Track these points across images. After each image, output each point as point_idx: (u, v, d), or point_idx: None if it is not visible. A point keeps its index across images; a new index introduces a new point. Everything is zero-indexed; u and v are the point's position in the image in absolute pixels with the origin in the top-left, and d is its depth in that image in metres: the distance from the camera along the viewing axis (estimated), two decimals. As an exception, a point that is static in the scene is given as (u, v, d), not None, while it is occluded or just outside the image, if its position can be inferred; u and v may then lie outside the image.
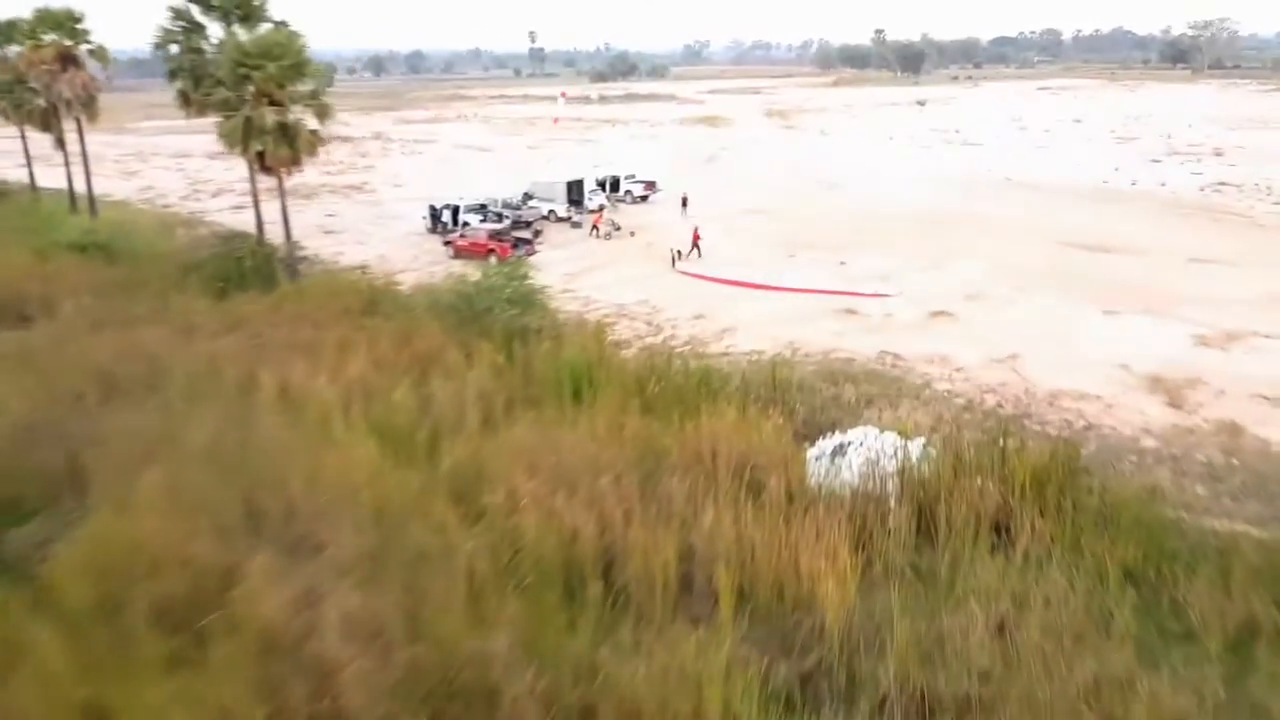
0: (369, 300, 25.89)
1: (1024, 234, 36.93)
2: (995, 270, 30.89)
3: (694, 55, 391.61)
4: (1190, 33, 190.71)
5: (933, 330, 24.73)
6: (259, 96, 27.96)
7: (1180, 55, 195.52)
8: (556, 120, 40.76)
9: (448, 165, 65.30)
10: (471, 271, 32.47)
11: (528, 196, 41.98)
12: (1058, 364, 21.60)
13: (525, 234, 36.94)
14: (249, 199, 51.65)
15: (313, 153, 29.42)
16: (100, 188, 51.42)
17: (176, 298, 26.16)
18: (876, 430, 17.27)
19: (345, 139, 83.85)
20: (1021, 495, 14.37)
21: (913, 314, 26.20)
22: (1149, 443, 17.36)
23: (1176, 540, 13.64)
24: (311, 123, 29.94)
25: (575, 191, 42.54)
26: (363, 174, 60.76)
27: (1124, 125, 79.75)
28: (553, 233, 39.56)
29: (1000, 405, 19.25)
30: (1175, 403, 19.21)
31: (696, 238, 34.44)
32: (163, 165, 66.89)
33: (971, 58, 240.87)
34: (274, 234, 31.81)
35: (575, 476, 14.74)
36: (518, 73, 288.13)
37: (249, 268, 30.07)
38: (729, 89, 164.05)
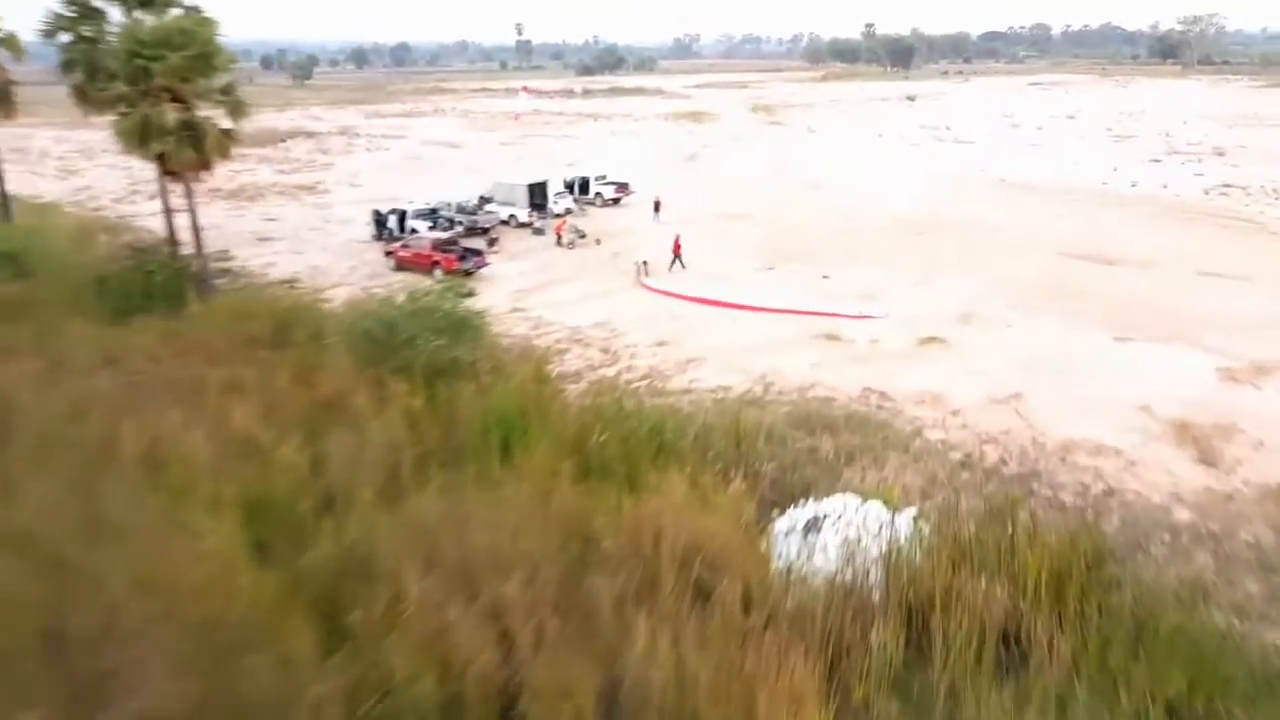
0: (281, 325, 22.71)
1: (1021, 242, 34.12)
2: (991, 285, 28.03)
3: (684, 49, 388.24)
4: (1180, 28, 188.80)
5: (924, 360, 21.83)
6: (160, 92, 24.72)
7: (1169, 51, 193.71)
8: (518, 117, 37.01)
9: (413, 163, 62.01)
10: (415, 285, 29.49)
11: (484, 200, 38.78)
12: (1067, 405, 18.74)
13: (480, 242, 33.87)
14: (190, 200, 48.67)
15: (224, 155, 26.16)
16: (33, 188, 48.06)
17: (69, 321, 22.97)
18: (857, 500, 14.36)
19: (309, 134, 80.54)
20: (1035, 598, 11.52)
21: (901, 340, 23.30)
22: (1182, 514, 14.51)
23: (1230, 662, 10.81)
24: (227, 121, 26.72)
25: (538, 195, 39.41)
26: (319, 172, 57.40)
27: (1119, 122, 77.19)
28: (512, 240, 36.45)
29: (1004, 461, 16.37)
30: (1208, 458, 16.39)
31: (678, 247, 31.43)
32: (110, 163, 63.21)
33: (961, 53, 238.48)
34: (206, 242, 28.61)
35: (481, 572, 11.78)
36: (503, 65, 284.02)
37: (157, 284, 26.84)
38: (717, 83, 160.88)
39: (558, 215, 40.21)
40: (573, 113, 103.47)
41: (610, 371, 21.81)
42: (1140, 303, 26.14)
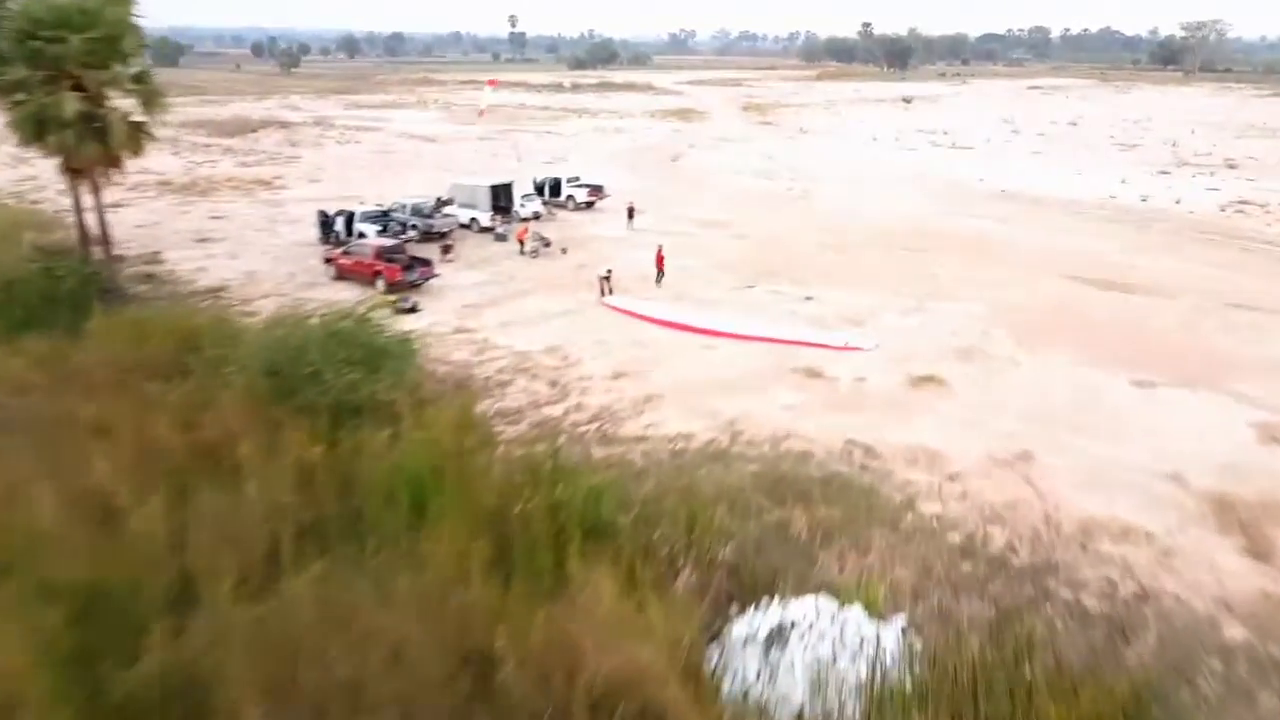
0: (183, 349, 19.67)
1: (1025, 262, 31.29)
2: (993, 313, 25.18)
3: (679, 45, 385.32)
4: (1182, 34, 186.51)
5: (917, 407, 18.93)
6: (61, 79, 21.62)
7: (1171, 57, 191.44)
8: (483, 113, 33.90)
9: (382, 157, 58.83)
10: (354, 298, 26.46)
11: (443, 202, 35.67)
12: (1084, 470, 15.90)
13: (434, 250, 30.82)
14: (135, 194, 45.49)
15: (136, 151, 23.09)
16: (-33, 177, 44.80)
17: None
18: (833, 605, 11.48)
19: (283, 124, 77.20)
20: (1062, 774, 8.69)
21: (892, 378, 20.39)
22: (1234, 631, 11.66)
23: None
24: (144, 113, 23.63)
25: (503, 197, 36.35)
26: (283, 166, 54.16)
27: (1123, 130, 74.49)
28: (471, 246, 33.41)
29: (1013, 549, 13.49)
30: (1257, 549, 13.54)
31: (661, 260, 28.56)
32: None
33: (959, 54, 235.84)
34: (140, 242, 25.46)
35: (343, 713, 9.03)
36: (496, 58, 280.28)
37: (64, 293, 23.73)
38: (710, 80, 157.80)
39: (525, 219, 37.25)
40: (558, 108, 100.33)
41: (557, 410, 18.87)
42: (1161, 339, 23.33)
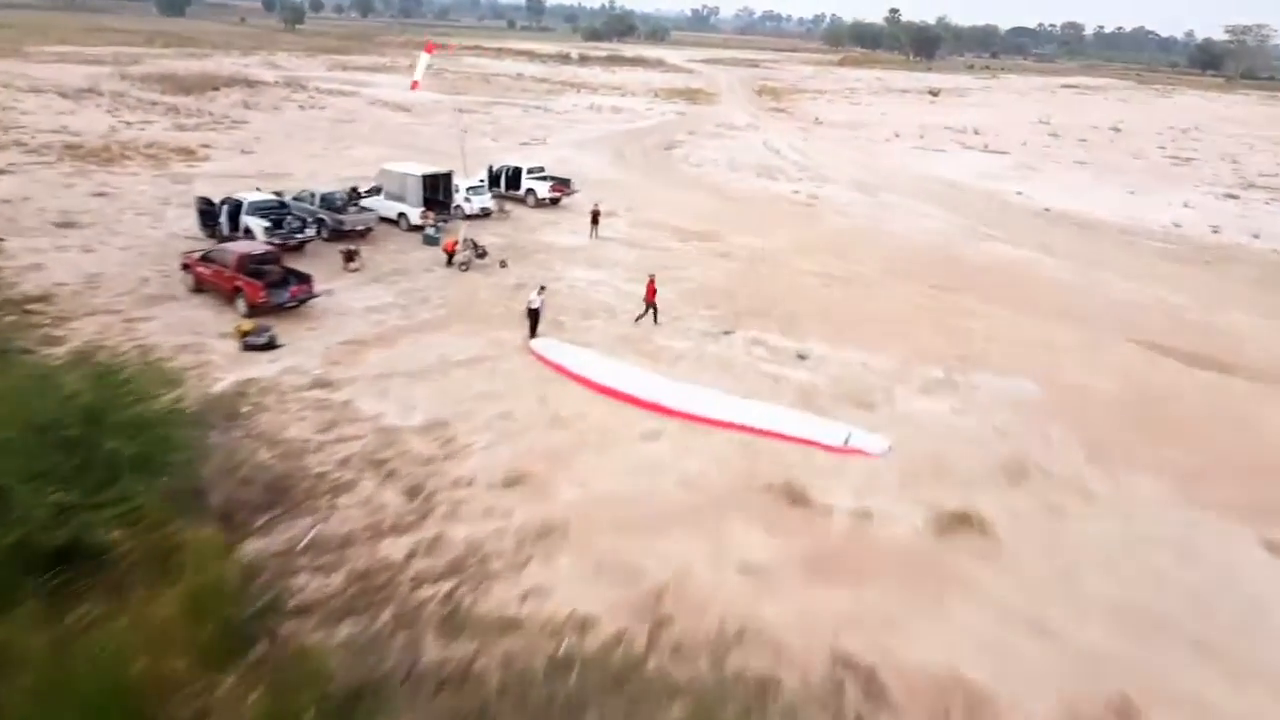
0: None
1: (1082, 312, 24.65)
2: (1050, 397, 18.61)
3: (701, 21, 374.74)
4: (1225, 38, 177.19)
5: (947, 574, 12.42)
6: None
7: (1211, 61, 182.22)
8: (415, 85, 26.93)
9: (341, 127, 52.03)
10: (212, 320, 20.00)
11: (356, 194, 28.79)
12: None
13: (341, 248, 24.28)
14: (29, 159, 38.93)
15: None
16: None
17: None
18: None
19: (250, 83, 70.32)
20: None
21: (910, 515, 13.87)
22: None
23: None
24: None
25: (440, 190, 29.66)
26: (222, 132, 47.38)
27: (1172, 140, 67.03)
28: (390, 251, 26.79)
29: None
30: None
31: (652, 292, 21.70)
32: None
33: (988, 46, 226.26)
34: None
35: None
36: (511, 24, 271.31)
37: None
38: (725, 59, 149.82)
39: (470, 216, 30.64)
40: (557, 80, 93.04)
41: (401, 547, 12.44)
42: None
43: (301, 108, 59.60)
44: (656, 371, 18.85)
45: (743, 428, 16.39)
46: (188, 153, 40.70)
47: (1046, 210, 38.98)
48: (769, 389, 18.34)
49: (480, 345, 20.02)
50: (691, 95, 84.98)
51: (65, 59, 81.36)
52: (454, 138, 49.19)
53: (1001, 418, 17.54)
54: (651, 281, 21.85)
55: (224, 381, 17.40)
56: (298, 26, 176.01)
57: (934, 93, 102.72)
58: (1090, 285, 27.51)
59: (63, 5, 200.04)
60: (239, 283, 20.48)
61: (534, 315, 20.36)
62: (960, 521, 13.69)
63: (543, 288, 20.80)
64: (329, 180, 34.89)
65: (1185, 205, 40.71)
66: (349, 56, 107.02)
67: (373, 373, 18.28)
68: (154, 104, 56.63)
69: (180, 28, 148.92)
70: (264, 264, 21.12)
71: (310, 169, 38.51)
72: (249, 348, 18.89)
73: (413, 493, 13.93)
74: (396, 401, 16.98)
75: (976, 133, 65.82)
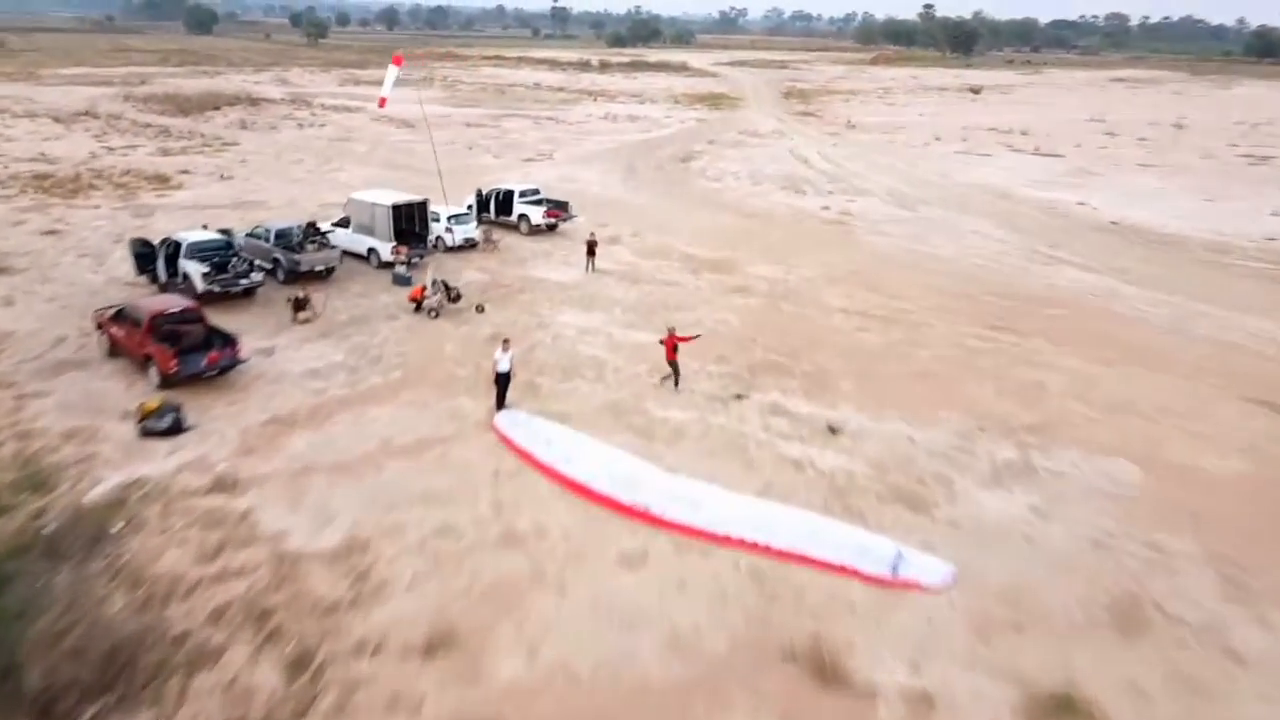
0: None
1: (1178, 358, 20.20)
2: (1155, 488, 14.32)
3: (729, 23, 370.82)
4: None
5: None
6: None
7: (1268, 48, 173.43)
8: (383, 102, 23.24)
9: (337, 147, 48.97)
10: (123, 391, 16.53)
11: (314, 230, 25.04)
12: None
13: (290, 295, 20.71)
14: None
15: None
16: None
17: None
18: None
19: (253, 101, 67.96)
20: None
21: (992, 706, 9.75)
22: None
23: None
24: None
25: (416, 220, 26.00)
26: (209, 156, 44.51)
27: (1242, 136, 61.27)
28: (352, 295, 23.20)
29: None
30: None
31: (672, 347, 17.57)
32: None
33: (1028, 40, 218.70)
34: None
35: None
36: (536, 33, 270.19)
37: None
38: (752, 61, 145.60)
39: (453, 248, 27.07)
40: (575, 89, 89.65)
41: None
42: None
43: (300, 126, 56.78)
44: (647, 457, 14.94)
45: (754, 546, 12.40)
46: (162, 180, 37.76)
47: (1114, 223, 34.22)
48: (790, 481, 14.32)
49: (432, 421, 16.28)
50: (714, 101, 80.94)
51: (75, 81, 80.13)
52: (458, 154, 45.92)
53: (1097, 521, 13.31)
54: (672, 336, 17.77)
55: (104, 484, 13.85)
56: (320, 41, 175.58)
57: (975, 90, 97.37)
58: (1182, 320, 22.97)
59: (97, 28, 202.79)
60: (149, 349, 16.98)
61: (502, 380, 16.56)
62: (1062, 710, 9.56)
63: (506, 341, 16.94)
64: (310, 209, 31.66)
65: (1274, 214, 35.67)
66: (364, 71, 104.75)
67: (293, 466, 14.61)
68: (147, 126, 54.23)
69: (204, 45, 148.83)
70: (182, 323, 17.60)
71: (290, 196, 35.32)
72: (147, 433, 15.35)
73: (297, 666, 10.16)
74: (310, 511, 13.27)
75: (1024, 133, 60.81)
